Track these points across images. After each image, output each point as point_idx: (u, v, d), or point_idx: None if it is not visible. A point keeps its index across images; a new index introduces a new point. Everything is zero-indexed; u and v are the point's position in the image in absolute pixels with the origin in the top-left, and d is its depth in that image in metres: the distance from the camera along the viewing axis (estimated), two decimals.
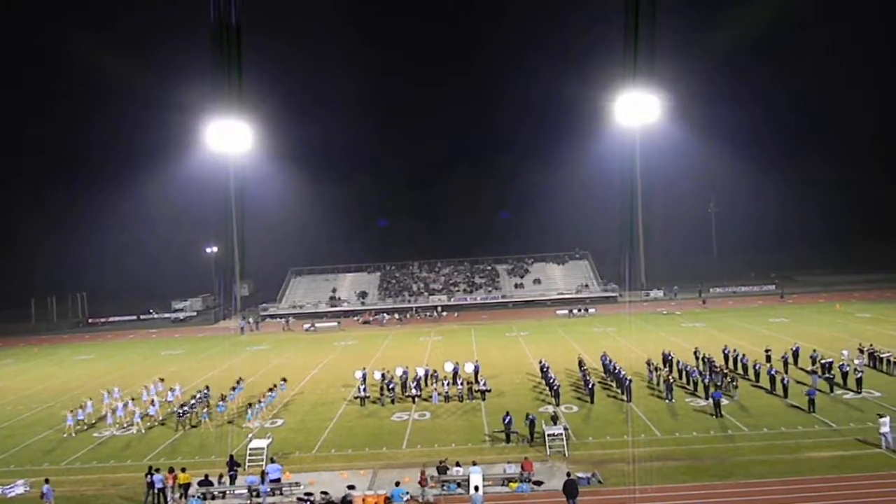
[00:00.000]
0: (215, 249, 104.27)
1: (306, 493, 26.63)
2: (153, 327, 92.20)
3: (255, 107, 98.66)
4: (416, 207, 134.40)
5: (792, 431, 31.36)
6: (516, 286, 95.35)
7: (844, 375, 38.86)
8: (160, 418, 39.27)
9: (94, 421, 39.76)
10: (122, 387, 46.43)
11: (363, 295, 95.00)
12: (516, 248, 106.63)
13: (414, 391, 40.56)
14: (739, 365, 43.47)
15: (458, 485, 26.77)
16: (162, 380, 47.77)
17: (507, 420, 32.46)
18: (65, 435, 37.22)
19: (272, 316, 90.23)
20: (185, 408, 38.13)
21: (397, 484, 25.86)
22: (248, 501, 26.85)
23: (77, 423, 38.12)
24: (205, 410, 38.32)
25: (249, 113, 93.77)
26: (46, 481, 27.33)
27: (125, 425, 38.37)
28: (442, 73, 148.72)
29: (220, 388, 42.53)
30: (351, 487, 27.04)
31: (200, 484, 27.64)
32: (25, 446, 36.11)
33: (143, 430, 37.28)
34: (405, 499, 25.66)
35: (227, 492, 27.72)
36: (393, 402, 40.29)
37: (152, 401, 40.80)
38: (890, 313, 65.43)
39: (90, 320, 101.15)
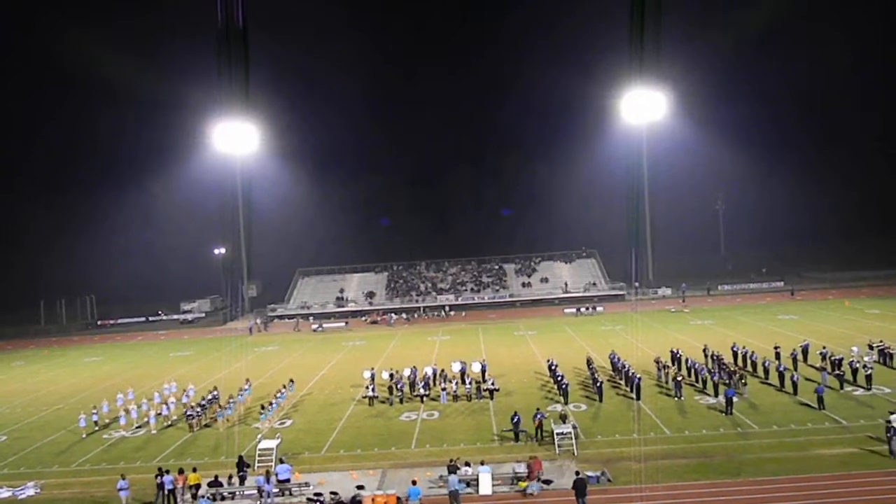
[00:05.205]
0: (223, 251, 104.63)
1: (316, 494, 26.68)
2: (162, 329, 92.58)
3: (261, 108, 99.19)
4: (423, 207, 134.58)
5: (802, 429, 31.24)
6: (524, 285, 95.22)
7: (854, 372, 38.66)
8: (174, 418, 39.52)
9: (107, 422, 40.01)
10: (132, 388, 46.48)
11: (371, 295, 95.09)
12: (523, 247, 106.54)
13: (422, 391, 40.58)
14: (749, 362, 43.32)
15: (468, 484, 26.77)
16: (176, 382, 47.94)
17: (515, 419, 32.46)
18: (84, 436, 37.41)
19: (280, 316, 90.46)
20: (197, 409, 38.24)
21: (414, 483, 25.84)
22: (258, 502, 26.92)
23: (90, 425, 38.33)
24: (218, 410, 38.43)
25: (255, 114, 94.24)
26: (123, 477, 27.41)
27: (139, 425, 38.58)
28: (448, 72, 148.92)
29: (229, 390, 42.62)
30: (360, 487, 27.07)
31: (210, 485, 27.74)
32: (36, 448, 36.33)
33: (155, 431, 37.45)
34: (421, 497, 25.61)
35: (237, 493, 27.81)
36: (401, 401, 40.33)
37: (165, 401, 41.03)
38: None
39: (99, 322, 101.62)
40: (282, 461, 29.28)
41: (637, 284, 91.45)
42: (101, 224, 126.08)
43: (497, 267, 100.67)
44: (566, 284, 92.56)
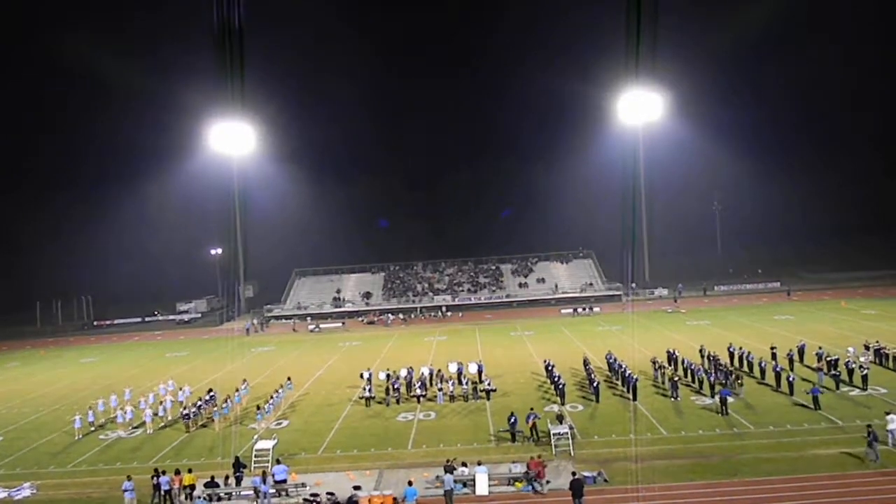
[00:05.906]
0: (219, 251, 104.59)
1: (312, 494, 26.67)
2: (158, 329, 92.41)
3: (258, 109, 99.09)
4: (420, 208, 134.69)
5: (798, 429, 31.29)
6: (520, 285, 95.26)
7: (850, 372, 38.74)
8: (170, 418, 39.47)
9: (102, 422, 39.93)
10: (129, 388, 46.32)
11: (367, 295, 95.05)
12: (520, 248, 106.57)
13: (419, 391, 40.58)
14: (745, 362, 43.38)
15: (464, 484, 26.77)
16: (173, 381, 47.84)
17: (512, 420, 32.45)
18: (78, 437, 37.31)
19: (277, 317, 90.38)
20: (194, 410, 38.14)
21: (410, 483, 25.84)
22: (255, 503, 26.89)
23: (85, 426, 38.23)
24: (214, 409, 38.36)
25: (252, 115, 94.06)
26: (128, 478, 27.25)
27: (136, 426, 38.47)
28: (445, 73, 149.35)
29: (226, 390, 42.55)
30: (357, 488, 27.02)
31: (206, 485, 27.69)
32: (32, 449, 36.23)
33: (151, 432, 37.38)
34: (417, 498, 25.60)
35: (233, 493, 27.78)
36: (398, 402, 40.31)
37: (161, 401, 40.96)
38: (895, 310, 65.18)
39: (95, 323, 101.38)
40: (278, 462, 29.26)
41: (633, 285, 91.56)
42: (98, 225, 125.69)
43: (494, 267, 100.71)
44: (556, 286, 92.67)
